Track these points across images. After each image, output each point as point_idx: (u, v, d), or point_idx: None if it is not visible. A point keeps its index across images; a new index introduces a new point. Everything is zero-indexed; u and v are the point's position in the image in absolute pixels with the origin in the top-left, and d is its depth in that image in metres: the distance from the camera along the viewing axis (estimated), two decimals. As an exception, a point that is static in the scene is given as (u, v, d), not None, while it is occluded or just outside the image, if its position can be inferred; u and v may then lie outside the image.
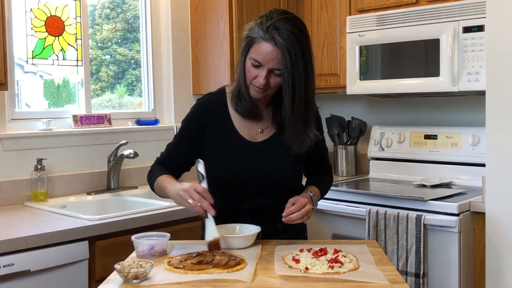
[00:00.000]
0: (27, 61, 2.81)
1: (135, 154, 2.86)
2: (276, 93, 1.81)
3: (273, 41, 1.68)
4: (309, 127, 1.83)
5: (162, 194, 1.85)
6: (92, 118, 2.96)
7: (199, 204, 1.66)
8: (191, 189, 1.67)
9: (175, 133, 3.10)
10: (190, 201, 1.66)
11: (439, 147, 2.98)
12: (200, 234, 2.02)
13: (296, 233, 1.94)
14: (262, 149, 1.85)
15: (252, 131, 1.88)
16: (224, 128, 1.86)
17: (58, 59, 2.90)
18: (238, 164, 1.84)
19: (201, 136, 1.87)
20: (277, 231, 1.87)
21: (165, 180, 1.83)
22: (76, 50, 2.97)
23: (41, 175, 2.65)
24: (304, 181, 2.03)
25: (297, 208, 1.75)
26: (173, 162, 1.93)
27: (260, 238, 1.81)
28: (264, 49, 1.70)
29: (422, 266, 2.37)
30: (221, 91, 1.93)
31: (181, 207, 2.50)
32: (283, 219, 1.75)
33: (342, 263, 1.53)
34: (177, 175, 1.93)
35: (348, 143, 3.37)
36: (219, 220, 1.88)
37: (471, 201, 2.41)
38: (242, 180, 1.84)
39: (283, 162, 1.86)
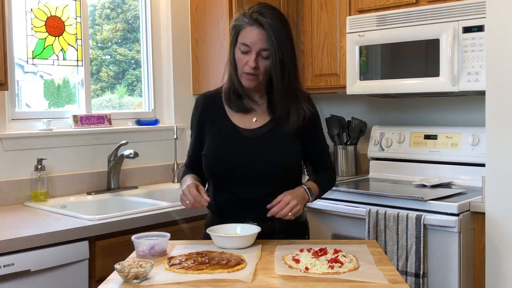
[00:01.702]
0: (27, 61, 2.81)
1: (135, 154, 2.86)
2: (270, 83, 1.88)
3: (257, 23, 1.80)
4: (300, 101, 1.90)
5: None
6: (92, 118, 2.96)
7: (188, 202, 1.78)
8: (185, 190, 1.79)
9: (175, 133, 3.14)
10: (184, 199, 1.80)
11: (439, 147, 2.98)
12: (202, 233, 2.02)
13: (296, 233, 1.94)
14: (257, 135, 1.90)
15: (246, 121, 1.93)
16: (220, 120, 1.93)
17: (58, 59, 2.90)
18: (233, 152, 1.88)
19: (203, 132, 1.95)
20: (273, 230, 1.87)
21: (183, 181, 1.92)
22: (76, 50, 2.97)
23: (41, 175, 2.65)
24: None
25: (280, 208, 1.77)
26: (195, 164, 1.99)
27: (257, 238, 1.81)
28: (250, 32, 1.81)
29: (422, 266, 2.37)
30: (219, 88, 2.00)
31: (180, 207, 2.52)
32: (268, 213, 1.79)
33: (342, 263, 1.53)
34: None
35: (348, 143, 3.37)
36: (219, 219, 1.89)
37: (471, 201, 2.41)
38: (239, 167, 1.87)
39: (278, 146, 1.89)
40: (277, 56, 1.79)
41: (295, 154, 1.93)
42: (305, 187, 1.90)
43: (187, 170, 2.03)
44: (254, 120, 1.93)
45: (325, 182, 2.04)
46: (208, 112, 1.95)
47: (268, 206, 1.79)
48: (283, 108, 1.87)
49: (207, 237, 1.91)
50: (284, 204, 1.78)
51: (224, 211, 1.92)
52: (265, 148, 1.88)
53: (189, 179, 1.88)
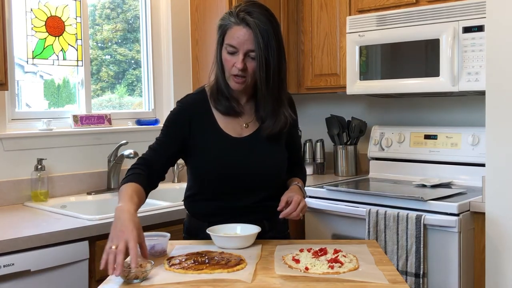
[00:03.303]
0: (27, 61, 2.81)
1: (135, 154, 2.86)
2: (256, 86, 1.82)
3: (244, 23, 1.72)
4: (283, 106, 1.85)
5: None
6: (92, 118, 2.96)
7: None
8: (122, 241, 1.48)
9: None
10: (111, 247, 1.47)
11: (439, 147, 2.98)
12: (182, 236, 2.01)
13: (280, 231, 1.96)
14: (249, 144, 1.85)
15: (236, 127, 1.87)
16: (208, 127, 1.85)
17: (58, 59, 2.90)
18: (227, 162, 1.83)
19: (188, 134, 1.85)
20: (263, 229, 1.84)
21: (127, 193, 1.68)
22: (76, 50, 2.97)
23: (41, 175, 2.65)
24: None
25: (293, 209, 1.76)
26: (158, 163, 1.85)
27: None
28: (237, 33, 1.73)
29: (422, 266, 2.37)
30: (202, 91, 1.93)
31: (180, 207, 2.52)
32: (281, 215, 1.77)
33: (342, 263, 1.53)
34: (160, 176, 1.87)
35: (348, 143, 3.37)
36: (207, 224, 1.86)
37: (471, 201, 2.41)
38: (232, 177, 1.83)
39: (271, 154, 1.87)
40: (262, 57, 1.72)
41: (286, 158, 1.93)
42: (299, 185, 1.91)
43: (138, 171, 1.78)
44: (244, 126, 1.87)
45: (304, 178, 2.07)
46: (196, 116, 1.86)
47: (278, 208, 1.77)
48: (264, 111, 1.83)
49: (186, 239, 1.92)
50: (296, 205, 1.77)
51: (216, 217, 1.86)
52: (259, 156, 1.85)
53: (127, 215, 1.57)
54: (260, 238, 1.80)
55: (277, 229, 1.94)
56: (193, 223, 1.93)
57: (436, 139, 3.01)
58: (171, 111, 1.93)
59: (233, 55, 1.75)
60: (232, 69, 1.76)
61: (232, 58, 1.75)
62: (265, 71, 1.74)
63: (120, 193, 1.71)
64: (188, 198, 1.95)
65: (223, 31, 1.77)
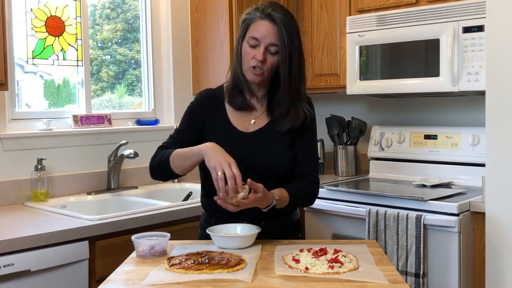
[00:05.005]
0: (27, 61, 2.81)
1: (135, 154, 2.86)
2: (273, 82, 1.87)
3: (269, 18, 1.80)
4: (302, 101, 1.89)
5: (181, 160, 1.79)
6: (92, 118, 2.96)
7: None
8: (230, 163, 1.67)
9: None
10: (220, 173, 1.65)
11: (439, 147, 2.98)
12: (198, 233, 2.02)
13: (289, 233, 1.94)
14: (254, 139, 1.88)
15: (245, 122, 1.91)
16: (219, 120, 1.91)
17: (58, 59, 2.90)
18: (233, 155, 1.79)
19: (201, 125, 1.91)
20: (267, 230, 1.83)
21: (187, 147, 1.79)
22: (76, 50, 2.97)
23: (41, 175, 2.65)
24: None
25: (233, 191, 1.66)
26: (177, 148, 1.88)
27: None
28: (261, 26, 1.81)
29: (422, 266, 2.37)
30: (221, 86, 1.99)
31: (180, 207, 2.52)
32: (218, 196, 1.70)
33: (342, 263, 1.53)
34: None
35: (348, 143, 3.37)
36: (215, 220, 1.88)
37: (471, 201, 2.41)
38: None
39: (275, 149, 1.88)
40: (286, 52, 1.79)
41: (290, 157, 1.90)
42: (276, 199, 1.77)
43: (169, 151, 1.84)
44: (252, 122, 1.91)
45: (300, 197, 1.92)
46: (210, 109, 1.93)
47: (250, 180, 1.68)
48: (284, 106, 1.86)
49: (202, 237, 1.91)
50: (252, 197, 1.68)
51: (219, 213, 1.86)
52: (262, 151, 1.87)
53: (217, 147, 1.73)
54: (264, 238, 1.81)
55: (286, 231, 1.92)
56: (204, 218, 1.98)
57: (436, 139, 3.01)
58: (190, 103, 1.99)
59: (254, 48, 1.81)
60: (252, 61, 1.81)
61: (252, 51, 1.81)
62: (288, 66, 1.80)
63: (178, 151, 1.81)
64: (201, 193, 2.00)
65: (247, 24, 1.84)
